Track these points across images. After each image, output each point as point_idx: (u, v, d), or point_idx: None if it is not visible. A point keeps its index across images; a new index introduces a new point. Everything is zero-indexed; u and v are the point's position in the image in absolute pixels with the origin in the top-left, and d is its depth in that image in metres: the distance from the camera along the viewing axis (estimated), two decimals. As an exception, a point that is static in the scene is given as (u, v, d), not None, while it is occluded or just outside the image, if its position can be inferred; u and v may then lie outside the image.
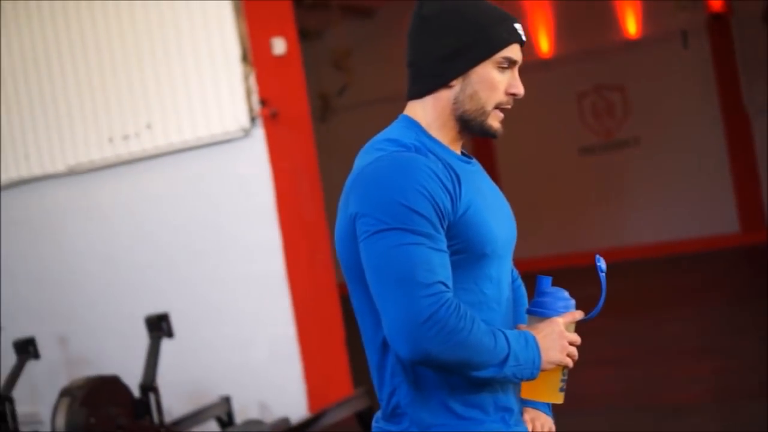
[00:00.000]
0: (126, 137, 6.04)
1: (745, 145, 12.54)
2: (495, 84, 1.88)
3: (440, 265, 1.74)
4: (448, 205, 1.78)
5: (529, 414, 2.08)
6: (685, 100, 12.85)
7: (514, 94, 1.92)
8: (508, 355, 1.76)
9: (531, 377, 1.83)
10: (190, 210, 5.93)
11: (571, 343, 1.89)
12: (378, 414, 1.95)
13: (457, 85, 1.89)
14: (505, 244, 1.93)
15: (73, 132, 6.23)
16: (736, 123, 12.56)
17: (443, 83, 1.89)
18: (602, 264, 1.99)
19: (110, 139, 6.09)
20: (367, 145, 1.92)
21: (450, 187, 1.80)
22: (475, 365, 1.74)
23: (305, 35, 11.79)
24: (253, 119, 5.74)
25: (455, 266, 1.81)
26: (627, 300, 10.02)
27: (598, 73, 13.33)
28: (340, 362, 5.91)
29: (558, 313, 1.90)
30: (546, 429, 2.10)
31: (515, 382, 1.85)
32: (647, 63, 12.95)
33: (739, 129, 12.56)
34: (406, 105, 1.98)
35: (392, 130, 1.92)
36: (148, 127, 5.97)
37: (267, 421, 4.96)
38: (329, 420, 5.06)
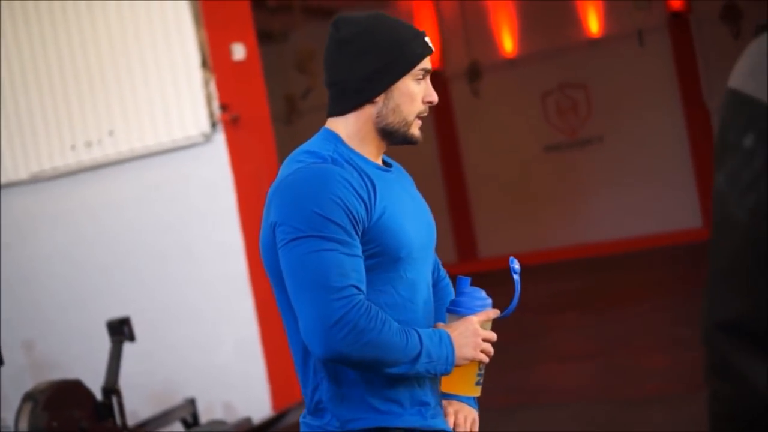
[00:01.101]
0: (88, 144, 6.11)
1: (706, 142, 12.73)
2: (414, 96, 2.02)
3: (353, 270, 1.85)
4: (362, 212, 1.90)
5: (453, 406, 2.20)
6: (647, 98, 13.02)
7: (430, 102, 2.06)
8: (420, 353, 1.88)
9: (445, 372, 1.95)
10: (154, 215, 6.00)
11: (486, 340, 2.01)
12: (304, 411, 2.06)
13: (380, 100, 2.01)
14: (422, 247, 2.05)
15: (36, 139, 6.28)
16: (697, 119, 12.74)
17: (367, 100, 2.02)
18: (516, 265, 2.10)
19: (73, 147, 6.15)
20: (289, 156, 2.04)
21: (364, 195, 1.91)
22: (387, 363, 1.85)
23: (270, 38, 11.87)
24: (214, 124, 5.82)
25: (371, 269, 1.93)
26: (591, 295, 10.17)
27: (561, 71, 13.47)
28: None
29: (474, 312, 2.02)
30: (469, 421, 2.21)
31: (430, 377, 1.97)
32: (609, 61, 13.12)
33: (700, 125, 12.74)
34: (328, 120, 2.09)
35: (312, 143, 2.04)
36: (111, 134, 6.03)
37: (231, 422, 5.04)
38: (292, 419, 5.14)
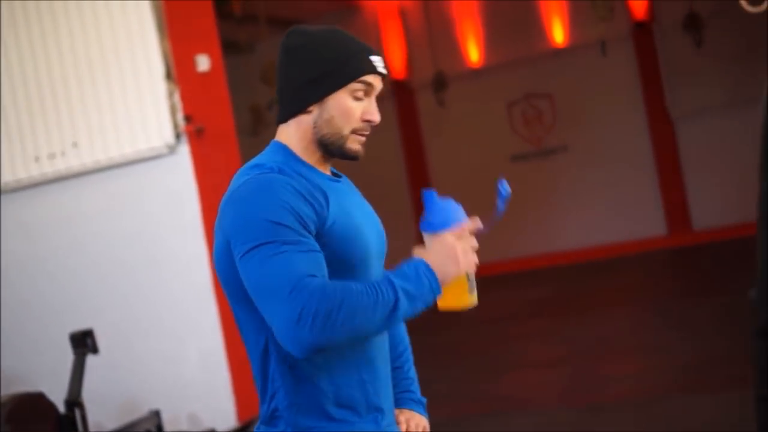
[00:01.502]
0: (52, 156, 6.09)
1: (670, 150, 12.87)
2: (349, 111, 2.03)
3: (306, 263, 1.84)
4: (313, 215, 1.92)
5: (404, 415, 2.22)
6: (611, 107, 13.15)
7: (369, 121, 2.06)
8: (396, 300, 1.84)
9: (435, 298, 1.92)
10: (118, 227, 5.99)
11: (467, 249, 1.96)
12: (258, 421, 2.08)
13: (315, 110, 2.04)
14: (374, 255, 2.07)
15: (-2, 151, 6.26)
16: (661, 129, 12.88)
17: (302, 109, 2.05)
18: (505, 187, 2.05)
19: (36, 159, 6.13)
20: (238, 170, 2.06)
21: (314, 201, 1.94)
22: (365, 327, 1.82)
23: (236, 49, 11.87)
24: (178, 136, 5.82)
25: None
26: (558, 303, 10.25)
27: (527, 81, 13.59)
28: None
29: (447, 226, 1.98)
30: (420, 429, 2.23)
31: (424, 308, 1.93)
32: (574, 71, 13.24)
33: (664, 134, 12.89)
34: (277, 130, 2.13)
35: (261, 156, 2.08)
36: (74, 145, 6.02)
37: (195, 433, 5.03)
38: (258, 430, 5.14)
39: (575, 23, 13.17)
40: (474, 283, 2.03)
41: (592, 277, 11.74)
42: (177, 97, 5.81)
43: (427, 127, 14.30)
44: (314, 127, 2.05)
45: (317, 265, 1.86)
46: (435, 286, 1.90)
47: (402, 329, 2.35)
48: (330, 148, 2.06)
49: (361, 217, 2.07)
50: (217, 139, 5.98)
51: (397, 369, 2.27)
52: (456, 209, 2.02)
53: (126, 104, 5.89)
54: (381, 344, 2.11)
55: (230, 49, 10.62)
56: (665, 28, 12.65)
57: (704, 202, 12.72)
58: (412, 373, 2.33)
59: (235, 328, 5.80)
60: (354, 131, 2.05)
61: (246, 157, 6.30)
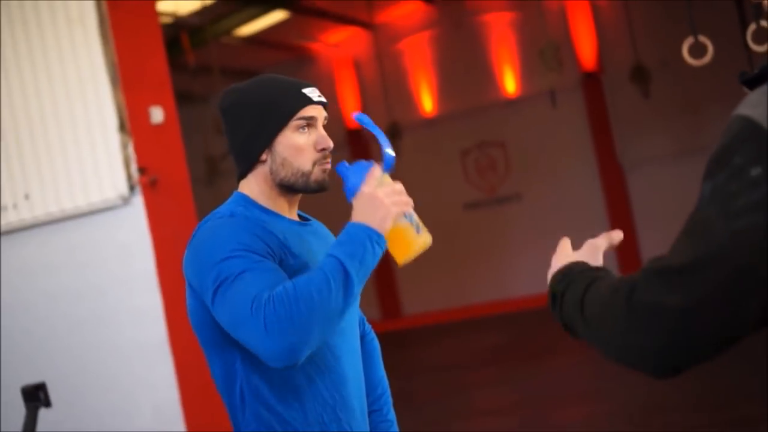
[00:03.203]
0: (4, 208, 6.04)
1: (620, 199, 13.05)
2: (300, 147, 2.08)
3: (260, 280, 1.86)
4: (265, 247, 1.94)
5: None
6: (563, 156, 13.33)
7: (323, 149, 2.10)
8: (345, 269, 1.84)
9: (382, 250, 1.92)
10: (71, 279, 5.95)
11: (390, 194, 1.96)
12: None
13: (267, 158, 2.09)
14: None
15: (-51, 204, 6.20)
16: (611, 177, 13.07)
17: (254, 161, 2.10)
18: (364, 118, 2.05)
19: (-12, 210, 6.08)
20: (200, 222, 2.09)
21: (267, 239, 1.96)
22: (332, 306, 1.82)
23: (190, 99, 11.91)
24: (132, 187, 5.81)
25: None
26: (511, 350, 10.29)
27: (480, 130, 13.75)
28: (224, 425, 5.95)
29: (360, 183, 1.98)
30: None
31: (376, 262, 1.93)
32: (526, 121, 13.42)
33: (614, 183, 13.08)
34: (239, 185, 2.17)
35: (222, 207, 2.12)
36: (27, 197, 5.98)
37: (149, 487, 4.97)
38: (212, 483, 5.09)
39: (526, 73, 13.38)
40: (419, 223, 2.01)
41: (544, 324, 11.73)
42: (131, 149, 5.81)
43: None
44: (271, 174, 2.09)
45: (272, 279, 1.86)
46: (375, 237, 1.90)
47: (381, 373, 2.36)
48: (294, 187, 2.10)
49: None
50: (172, 190, 5.98)
51: (375, 412, 2.29)
52: (365, 166, 2.02)
53: (79, 155, 5.88)
54: (357, 392, 2.13)
55: (184, 100, 10.66)
56: (613, 79, 12.89)
57: (655, 250, 12.87)
58: (392, 415, 2.34)
59: (192, 381, 5.79)
60: (315, 164, 2.09)
61: (200, 207, 6.33)
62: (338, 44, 14.22)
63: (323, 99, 2.13)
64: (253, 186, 2.12)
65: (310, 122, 2.09)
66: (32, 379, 5.23)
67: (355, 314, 2.18)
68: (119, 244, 5.88)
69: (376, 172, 1.99)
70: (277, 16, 12.32)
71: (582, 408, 6.92)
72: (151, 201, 5.85)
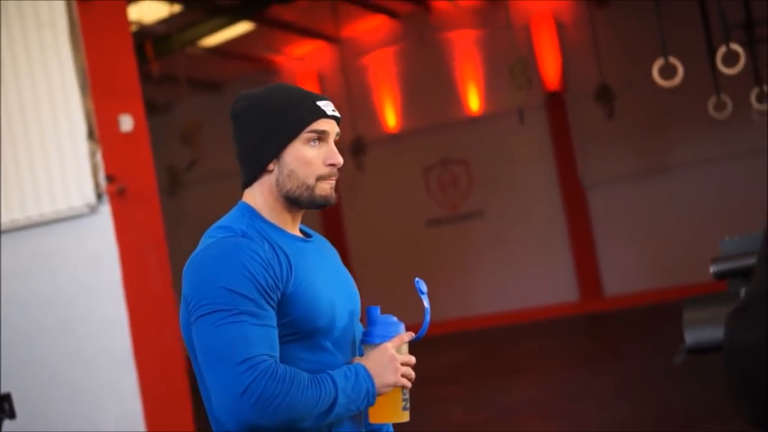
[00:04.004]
0: (-33, 214, 5.92)
1: (582, 218, 13.13)
2: (308, 160, 2.03)
3: (261, 339, 1.86)
4: (272, 283, 1.91)
5: None
6: (525, 174, 13.39)
7: (332, 165, 2.06)
8: (336, 398, 1.88)
9: (369, 405, 1.96)
10: (35, 287, 5.83)
11: (405, 364, 2.01)
12: None
13: (274, 168, 2.04)
14: (344, 316, 2.06)
15: None
16: (573, 195, 13.15)
17: (261, 169, 2.05)
18: (423, 286, 2.12)
19: (-50, 217, 5.95)
20: (205, 232, 2.05)
21: (276, 266, 1.93)
22: (303, 419, 1.85)
23: (154, 109, 11.79)
24: (99, 195, 5.72)
25: (291, 340, 1.94)
26: (474, 367, 10.28)
27: (443, 147, 13.76)
28: (188, 438, 5.88)
29: (387, 339, 2.03)
30: None
31: (354, 414, 1.97)
32: (490, 138, 13.47)
33: (576, 202, 13.15)
34: (243, 193, 2.12)
35: (227, 218, 2.07)
36: (-8, 203, 5.87)
37: (113, 502, 4.87)
38: (177, 497, 5.01)
39: (490, 91, 13.43)
40: (408, 401, 2.07)
41: (506, 341, 11.82)
42: (99, 157, 5.72)
43: (344, 190, 14.34)
44: (277, 185, 2.04)
45: (271, 343, 1.87)
46: (372, 391, 1.94)
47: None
48: (299, 201, 2.05)
49: (326, 280, 2.06)
50: (140, 199, 5.90)
51: None
52: (397, 324, 2.07)
53: (46, 162, 5.78)
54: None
55: (147, 109, 10.54)
56: (577, 98, 12.98)
57: (615, 269, 12.97)
58: None
59: (155, 393, 5.70)
60: (320, 178, 2.04)
61: (165, 218, 6.24)
62: (303, 57, 14.19)
63: (337, 114, 2.09)
64: (258, 196, 2.07)
65: (321, 136, 2.05)
66: (-6, 389, 5.12)
67: (351, 333, 2.12)
68: (86, 253, 5.78)
69: (406, 337, 2.06)
70: (242, 27, 12.27)
71: (553, 427, 6.91)
72: (118, 210, 5.77)
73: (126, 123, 5.88)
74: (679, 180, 12.66)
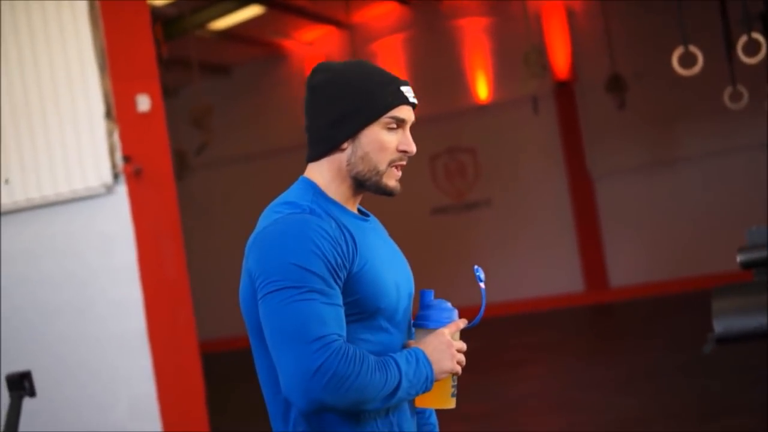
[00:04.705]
0: (-17, 192, 5.88)
1: (589, 209, 13.09)
2: (384, 144, 2.00)
3: (332, 318, 1.84)
4: (341, 262, 1.88)
5: None
6: (533, 163, 13.35)
7: (405, 152, 2.03)
8: (400, 382, 1.87)
9: (426, 391, 1.95)
10: (51, 267, 5.80)
11: (458, 351, 2.00)
12: None
13: (348, 147, 2.00)
14: (401, 297, 2.04)
15: (-76, 186, 6.02)
16: (580, 186, 13.11)
17: (334, 147, 2.01)
18: (481, 274, 2.11)
19: (-35, 195, 5.92)
20: (268, 207, 2.01)
21: (343, 245, 1.90)
22: (369, 401, 1.84)
23: (163, 92, 11.73)
24: (116, 176, 5.69)
25: (351, 320, 1.91)
26: (479, 358, 10.25)
27: (450, 135, 13.71)
28: (200, 421, 5.85)
29: (443, 324, 2.02)
30: None
31: (413, 397, 1.96)
32: (498, 127, 13.42)
33: (583, 193, 13.11)
34: (307, 167, 2.08)
35: (291, 193, 2.03)
36: (6, 182, 5.83)
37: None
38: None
39: (498, 79, 13.38)
40: (456, 388, 2.06)
41: (511, 332, 11.79)
42: (116, 137, 5.69)
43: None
44: (348, 165, 2.01)
45: (340, 322, 1.85)
46: (431, 377, 1.94)
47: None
48: (366, 184, 2.02)
49: (388, 260, 2.04)
50: (156, 180, 5.87)
51: (417, 414, 2.21)
52: (451, 310, 2.06)
53: (63, 141, 5.74)
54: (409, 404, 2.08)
55: (157, 91, 10.51)
56: (587, 88, 12.92)
57: (621, 261, 12.95)
58: (433, 418, 2.28)
59: (169, 376, 5.68)
60: (391, 163, 2.02)
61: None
62: (312, 42, 14.12)
63: (416, 101, 2.05)
64: (325, 173, 2.03)
65: (400, 123, 2.02)
66: (11, 369, 5.09)
67: (408, 312, 2.11)
68: (101, 234, 5.75)
69: (462, 324, 2.05)
70: (252, 11, 12.20)
71: (559, 419, 6.89)
72: (134, 191, 5.74)
73: (143, 103, 5.84)
74: (687, 173, 12.63)
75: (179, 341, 5.83)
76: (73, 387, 5.76)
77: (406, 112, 2.03)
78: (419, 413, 2.21)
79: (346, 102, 1.98)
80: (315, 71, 2.05)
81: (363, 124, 1.98)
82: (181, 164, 11.80)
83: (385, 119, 1.99)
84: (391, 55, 13.88)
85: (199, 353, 5.94)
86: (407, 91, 2.03)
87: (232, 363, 11.77)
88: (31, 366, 5.35)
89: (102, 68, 5.69)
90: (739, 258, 3.97)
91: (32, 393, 4.47)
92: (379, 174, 2.01)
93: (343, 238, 1.91)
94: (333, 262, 1.86)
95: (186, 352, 5.88)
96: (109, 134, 5.69)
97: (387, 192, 2.04)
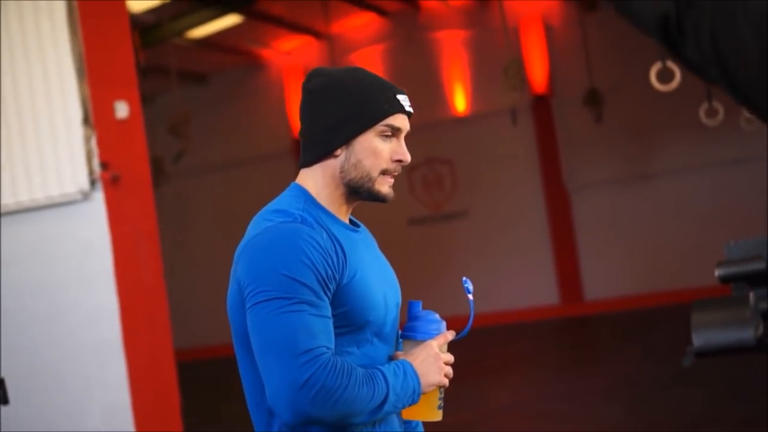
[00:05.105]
0: (-43, 198, 5.83)
1: (565, 221, 13.14)
2: (378, 152, 1.97)
3: (321, 330, 1.81)
4: (331, 273, 1.86)
5: None
6: (510, 176, 13.39)
7: (399, 161, 2.01)
8: (387, 395, 1.85)
9: (413, 404, 1.93)
10: (26, 274, 5.75)
11: (445, 363, 1.99)
12: None
13: (341, 153, 1.98)
14: (388, 309, 2.02)
15: None
16: (557, 199, 13.16)
17: (328, 152, 1.98)
18: (469, 285, 2.11)
19: (-61, 200, 5.86)
20: (258, 214, 1.98)
21: (333, 256, 1.88)
22: (356, 414, 1.82)
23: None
24: (93, 182, 5.65)
25: (339, 332, 1.89)
26: (456, 368, 10.25)
27: (428, 146, 13.72)
28: (173, 429, 5.81)
29: (431, 336, 2.00)
30: None
31: (399, 410, 1.94)
32: (475, 139, 13.45)
33: (559, 205, 13.16)
34: (299, 173, 2.06)
35: (282, 200, 2.00)
36: (-19, 187, 5.78)
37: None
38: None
39: (476, 92, 13.42)
40: (443, 400, 2.04)
41: (488, 343, 11.78)
42: (94, 143, 5.66)
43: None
44: (341, 171, 1.99)
45: (329, 335, 1.84)
46: (418, 391, 1.92)
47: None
48: (358, 191, 2.00)
49: (376, 271, 2.02)
50: (133, 187, 5.84)
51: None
52: (439, 322, 2.05)
53: (40, 147, 5.70)
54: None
55: (134, 98, 10.46)
56: (564, 102, 12.99)
57: (596, 274, 13.00)
58: (420, 428, 2.26)
59: (144, 384, 5.64)
60: (383, 172, 2.00)
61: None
62: (290, 52, 14.12)
63: (411, 110, 2.03)
64: (318, 180, 2.00)
65: (395, 131, 2.00)
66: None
67: (395, 325, 2.09)
68: (77, 240, 5.71)
69: (449, 335, 2.04)
70: (230, 19, 12.18)
71: (540, 426, 6.90)
72: (112, 198, 5.70)
73: (122, 110, 5.81)
74: (662, 187, 12.71)
75: (155, 349, 5.80)
76: (46, 394, 5.70)
77: (401, 121, 2.01)
78: (406, 423, 2.20)
79: (342, 108, 1.96)
80: (311, 76, 2.03)
81: (358, 130, 1.96)
82: (158, 172, 11.75)
83: (380, 127, 1.97)
84: (369, 66, 13.75)
85: (175, 361, 5.91)
86: (403, 99, 2.01)
87: (205, 372, 11.72)
88: (4, 373, 5.30)
89: (80, 74, 5.66)
90: (717, 272, 3.98)
91: (5, 401, 4.42)
92: (371, 181, 1.99)
93: (333, 249, 1.89)
94: (323, 274, 1.84)
95: (162, 361, 5.84)
96: (87, 140, 5.65)
97: (380, 198, 2.01)
